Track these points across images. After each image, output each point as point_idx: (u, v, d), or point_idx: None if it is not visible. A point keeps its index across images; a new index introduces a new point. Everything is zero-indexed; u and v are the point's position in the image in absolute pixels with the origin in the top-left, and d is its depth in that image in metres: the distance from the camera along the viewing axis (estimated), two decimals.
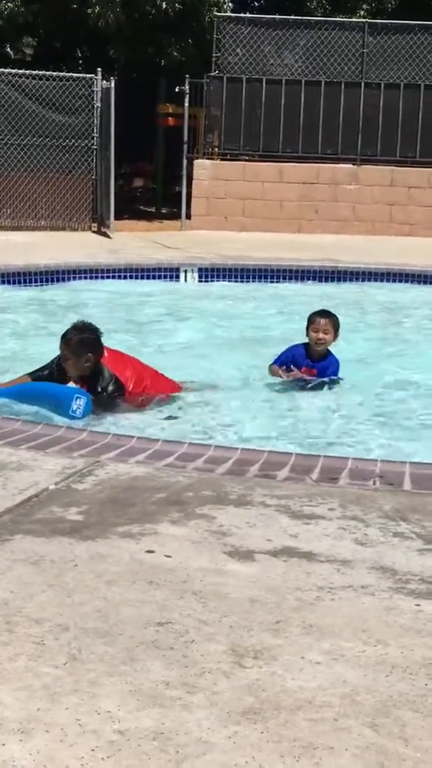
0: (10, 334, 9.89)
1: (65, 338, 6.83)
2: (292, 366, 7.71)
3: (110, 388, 6.90)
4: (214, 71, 19.97)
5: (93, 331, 6.89)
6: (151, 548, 3.82)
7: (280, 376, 7.72)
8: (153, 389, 7.12)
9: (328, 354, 7.70)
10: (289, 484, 4.72)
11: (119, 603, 3.33)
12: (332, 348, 7.86)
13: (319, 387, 7.64)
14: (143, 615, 3.25)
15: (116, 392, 6.91)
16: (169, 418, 6.94)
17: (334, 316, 7.71)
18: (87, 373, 6.84)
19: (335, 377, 7.71)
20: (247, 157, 20.12)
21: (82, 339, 6.81)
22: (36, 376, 7.11)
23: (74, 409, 6.84)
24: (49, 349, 7.46)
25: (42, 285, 12.89)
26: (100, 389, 6.85)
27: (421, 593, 3.49)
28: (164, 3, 20.48)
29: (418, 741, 2.58)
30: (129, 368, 7.06)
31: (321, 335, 7.60)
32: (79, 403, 6.72)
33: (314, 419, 7.06)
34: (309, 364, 7.67)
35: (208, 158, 20.13)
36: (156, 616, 3.24)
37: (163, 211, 23.41)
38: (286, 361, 7.77)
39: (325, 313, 7.75)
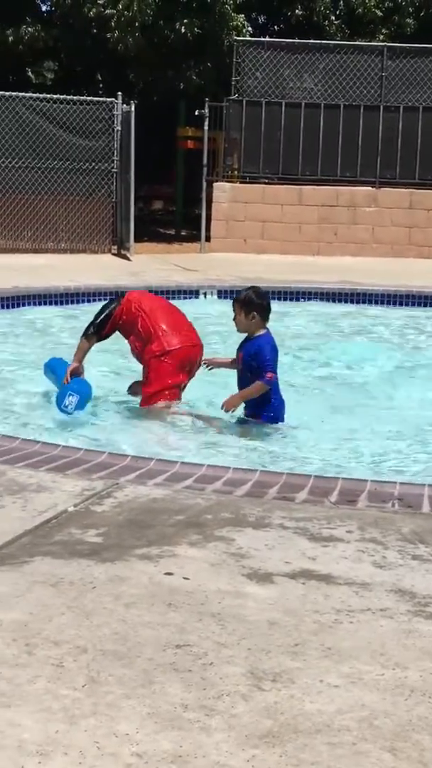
0: (29, 354, 9.91)
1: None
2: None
3: None
4: (234, 95, 20.04)
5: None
6: (169, 570, 3.82)
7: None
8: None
9: (255, 336, 7.48)
10: (307, 506, 4.72)
11: (138, 625, 3.33)
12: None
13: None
14: (162, 637, 3.25)
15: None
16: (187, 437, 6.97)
17: (239, 297, 7.36)
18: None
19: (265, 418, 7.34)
20: (266, 180, 20.17)
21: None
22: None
23: (66, 404, 7.16)
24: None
25: (62, 306, 12.93)
26: None
27: None
28: (183, 27, 20.59)
29: None
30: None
31: (233, 319, 7.51)
32: (71, 400, 6.96)
33: (332, 440, 7.05)
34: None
35: (227, 181, 20.19)
36: (174, 638, 3.24)
37: (183, 233, 23.47)
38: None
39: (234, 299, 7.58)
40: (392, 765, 2.57)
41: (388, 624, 3.41)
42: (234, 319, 7.25)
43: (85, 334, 7.56)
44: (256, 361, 7.03)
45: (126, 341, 7.67)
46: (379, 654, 3.19)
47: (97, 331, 7.54)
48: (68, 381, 7.34)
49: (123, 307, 7.54)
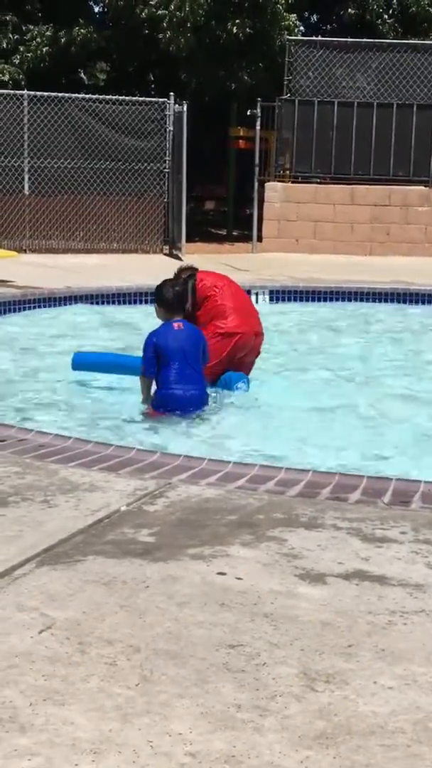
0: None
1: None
2: None
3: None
4: (286, 94, 20.03)
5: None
6: (222, 570, 3.82)
7: None
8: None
9: None
10: (360, 506, 4.69)
11: (190, 625, 3.33)
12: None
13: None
14: (214, 637, 3.25)
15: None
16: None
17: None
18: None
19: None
20: (318, 180, 20.14)
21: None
22: None
23: (238, 386, 7.78)
24: None
25: (115, 305, 12.99)
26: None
27: None
28: (235, 27, 20.61)
29: None
30: None
31: None
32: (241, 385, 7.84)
33: (384, 440, 7.02)
34: None
35: (279, 181, 20.18)
36: (227, 638, 3.24)
37: (234, 233, 23.50)
38: None
39: None
40: None
41: None
42: None
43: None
44: None
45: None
46: None
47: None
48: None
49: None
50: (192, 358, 7.25)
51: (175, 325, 7.30)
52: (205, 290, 7.93)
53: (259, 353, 8.26)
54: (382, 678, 3.02)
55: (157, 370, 7.23)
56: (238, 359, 7.95)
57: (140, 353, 7.39)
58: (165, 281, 7.65)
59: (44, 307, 12.75)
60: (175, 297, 7.41)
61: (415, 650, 3.20)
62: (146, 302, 13.07)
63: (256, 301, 13.53)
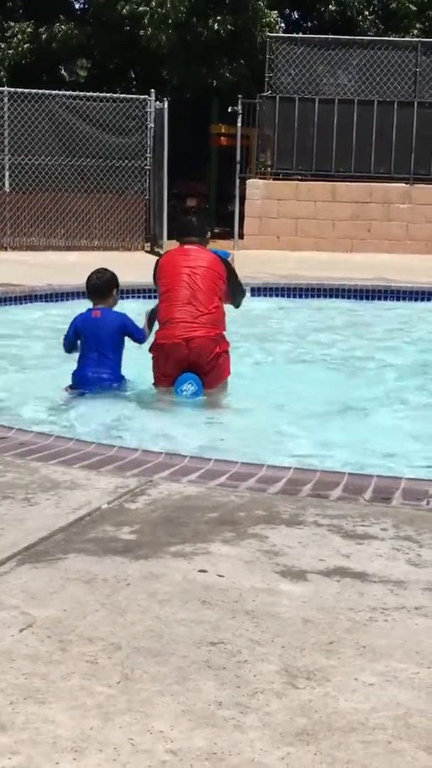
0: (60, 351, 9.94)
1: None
2: None
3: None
4: (267, 91, 20.04)
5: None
6: (203, 568, 3.82)
7: None
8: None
9: None
10: (341, 503, 4.70)
11: (172, 622, 3.33)
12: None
13: None
14: (196, 634, 3.25)
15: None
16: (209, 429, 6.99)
17: None
18: None
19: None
20: (299, 177, 20.14)
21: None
22: None
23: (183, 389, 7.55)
24: None
25: None
26: None
27: None
28: (216, 24, 20.60)
29: None
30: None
31: None
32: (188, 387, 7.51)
33: (363, 437, 7.03)
34: None
35: (260, 178, 20.19)
36: (208, 635, 3.24)
37: (216, 230, 23.41)
38: None
39: None
40: (427, 764, 2.55)
41: (424, 622, 3.39)
42: None
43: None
44: None
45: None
46: (414, 652, 3.17)
47: None
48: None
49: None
50: (105, 345, 7.69)
51: (94, 313, 7.85)
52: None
53: (208, 356, 7.54)
54: (363, 674, 3.02)
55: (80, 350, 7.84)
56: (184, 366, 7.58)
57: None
58: (95, 271, 8.18)
59: (25, 303, 12.73)
60: (92, 287, 7.98)
61: (395, 647, 3.21)
62: (127, 299, 13.07)
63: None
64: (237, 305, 8.12)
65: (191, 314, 7.52)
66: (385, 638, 3.27)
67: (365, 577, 3.78)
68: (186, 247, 7.84)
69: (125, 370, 7.82)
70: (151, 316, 7.90)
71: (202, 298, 7.53)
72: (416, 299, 14.29)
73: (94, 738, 2.63)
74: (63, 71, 27.84)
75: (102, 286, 7.95)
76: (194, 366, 7.48)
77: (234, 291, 7.87)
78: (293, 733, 2.68)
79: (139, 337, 7.86)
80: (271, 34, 20.92)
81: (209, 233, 8.03)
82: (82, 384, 7.71)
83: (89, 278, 8.00)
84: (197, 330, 7.47)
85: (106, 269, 8.18)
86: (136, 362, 7.88)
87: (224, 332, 7.67)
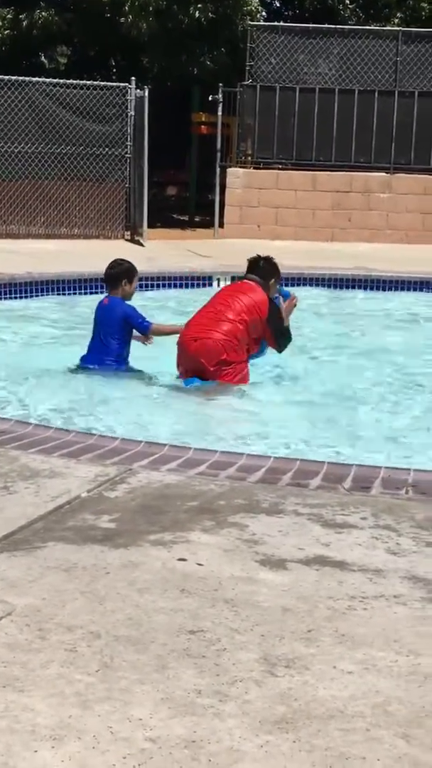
0: (42, 343, 9.92)
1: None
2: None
3: None
4: (248, 80, 19.97)
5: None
6: (182, 556, 3.82)
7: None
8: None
9: None
10: (321, 492, 4.71)
11: (151, 611, 3.33)
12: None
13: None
14: (175, 623, 3.25)
15: None
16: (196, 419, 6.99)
17: None
18: None
19: None
20: (280, 166, 20.10)
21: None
22: None
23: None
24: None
25: (75, 294, 12.92)
26: None
27: None
28: (197, 12, 20.52)
29: None
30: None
31: None
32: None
33: (342, 426, 7.05)
34: None
35: (241, 167, 20.13)
36: (188, 624, 3.24)
37: (197, 219, 23.42)
38: None
39: None
40: (405, 751, 2.57)
41: (402, 611, 3.41)
42: None
43: None
44: None
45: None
46: (392, 641, 3.19)
47: None
48: None
49: None
50: (108, 332, 8.08)
51: (104, 300, 8.34)
52: None
53: (212, 359, 7.62)
54: (341, 663, 3.03)
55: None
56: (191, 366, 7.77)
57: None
58: (112, 260, 8.56)
59: (5, 292, 12.68)
60: (106, 276, 8.43)
61: (374, 635, 3.22)
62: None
63: (218, 287, 13.51)
64: (279, 350, 8.12)
65: (210, 319, 7.75)
66: (364, 627, 3.28)
67: (344, 565, 3.79)
68: (243, 281, 8.14)
69: (139, 361, 8.10)
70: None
71: (228, 312, 7.73)
72: (396, 289, 14.31)
73: (73, 726, 2.63)
74: (43, 58, 27.68)
75: (113, 276, 8.34)
76: (198, 365, 7.64)
77: (275, 333, 7.88)
78: (272, 721, 2.69)
79: (141, 327, 8.12)
80: (252, 23, 20.86)
81: (273, 280, 8.13)
82: (85, 366, 8.13)
83: (106, 268, 8.47)
84: (209, 333, 7.64)
85: (123, 261, 8.56)
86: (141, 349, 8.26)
87: (246, 350, 7.74)
